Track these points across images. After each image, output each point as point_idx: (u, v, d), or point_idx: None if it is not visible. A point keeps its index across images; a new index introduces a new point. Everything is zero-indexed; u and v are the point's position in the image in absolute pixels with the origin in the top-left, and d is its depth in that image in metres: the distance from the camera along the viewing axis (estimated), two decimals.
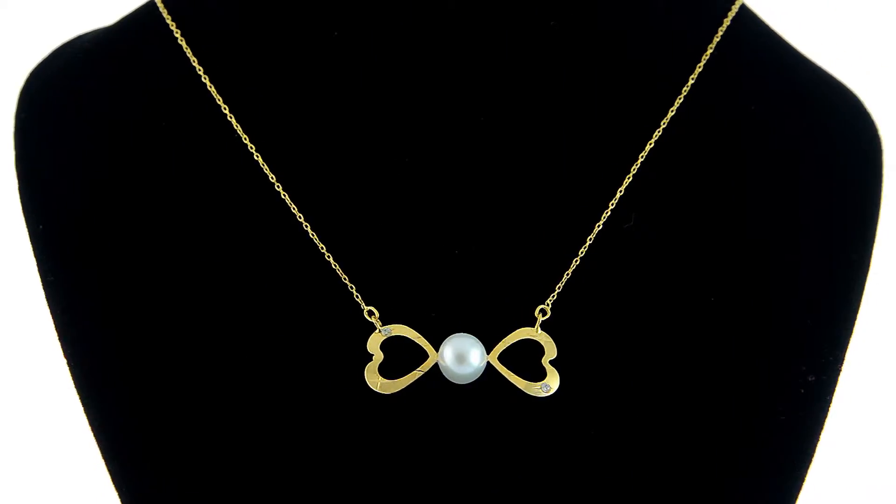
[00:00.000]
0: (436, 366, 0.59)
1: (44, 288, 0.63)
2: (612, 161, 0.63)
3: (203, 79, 0.64)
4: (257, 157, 0.62)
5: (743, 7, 0.69)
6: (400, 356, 0.59)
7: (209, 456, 0.59)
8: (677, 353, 0.60)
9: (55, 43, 0.71)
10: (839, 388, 0.63)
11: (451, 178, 0.62)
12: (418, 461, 0.59)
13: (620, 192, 0.62)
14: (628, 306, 0.61)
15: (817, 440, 0.63)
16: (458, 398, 0.59)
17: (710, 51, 0.66)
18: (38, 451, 1.12)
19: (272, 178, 0.62)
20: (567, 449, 0.59)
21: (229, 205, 0.61)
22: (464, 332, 0.59)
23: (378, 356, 0.59)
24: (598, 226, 0.62)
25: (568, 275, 0.61)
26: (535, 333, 0.60)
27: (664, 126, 0.64)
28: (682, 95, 0.64)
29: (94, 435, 0.61)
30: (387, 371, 0.59)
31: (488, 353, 0.59)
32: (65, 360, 0.62)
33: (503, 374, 0.59)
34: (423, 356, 0.59)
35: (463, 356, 0.59)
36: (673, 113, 0.64)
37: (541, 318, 0.60)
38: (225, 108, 0.63)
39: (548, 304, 0.60)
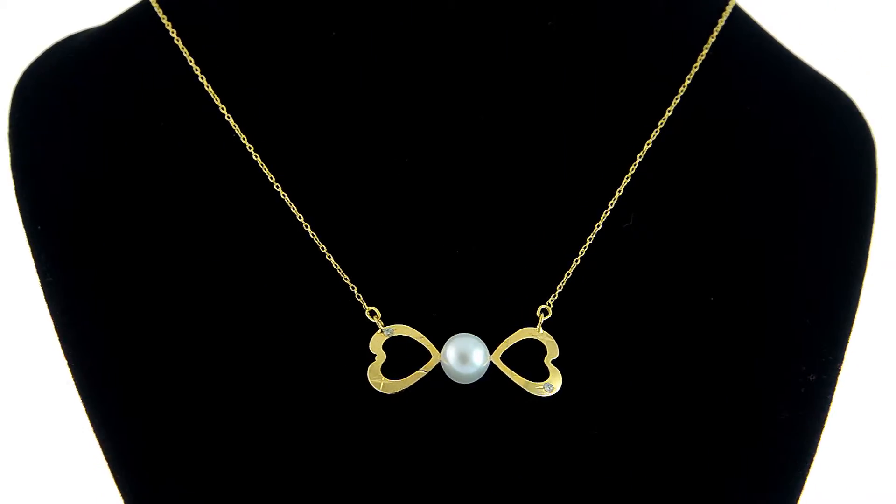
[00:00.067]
0: (438, 366, 0.59)
1: (43, 289, 0.63)
2: (611, 161, 0.63)
3: (200, 78, 0.64)
4: (256, 156, 0.62)
5: (736, 8, 0.69)
6: (402, 356, 0.59)
7: (211, 456, 0.58)
8: (678, 352, 0.61)
9: (48, 42, 0.71)
10: (839, 388, 0.64)
11: (452, 178, 0.62)
12: (421, 461, 0.58)
13: (619, 192, 0.62)
14: (629, 306, 0.61)
15: (818, 439, 0.63)
16: (461, 398, 0.59)
17: (705, 51, 0.66)
18: (42, 452, 1.12)
19: (271, 178, 0.61)
20: (570, 448, 0.59)
21: (229, 205, 0.61)
22: (465, 332, 0.59)
23: (381, 356, 0.59)
24: (598, 226, 0.62)
25: (569, 274, 0.61)
26: (538, 333, 0.60)
27: (661, 126, 0.64)
28: (678, 96, 0.65)
29: (96, 435, 0.61)
30: (389, 371, 0.59)
31: (491, 353, 0.59)
32: (65, 361, 0.62)
33: (506, 373, 0.59)
34: (426, 356, 0.59)
35: (466, 356, 0.58)
36: (670, 113, 0.64)
37: (542, 318, 0.60)
38: (223, 108, 0.63)
39: (549, 304, 0.60)
